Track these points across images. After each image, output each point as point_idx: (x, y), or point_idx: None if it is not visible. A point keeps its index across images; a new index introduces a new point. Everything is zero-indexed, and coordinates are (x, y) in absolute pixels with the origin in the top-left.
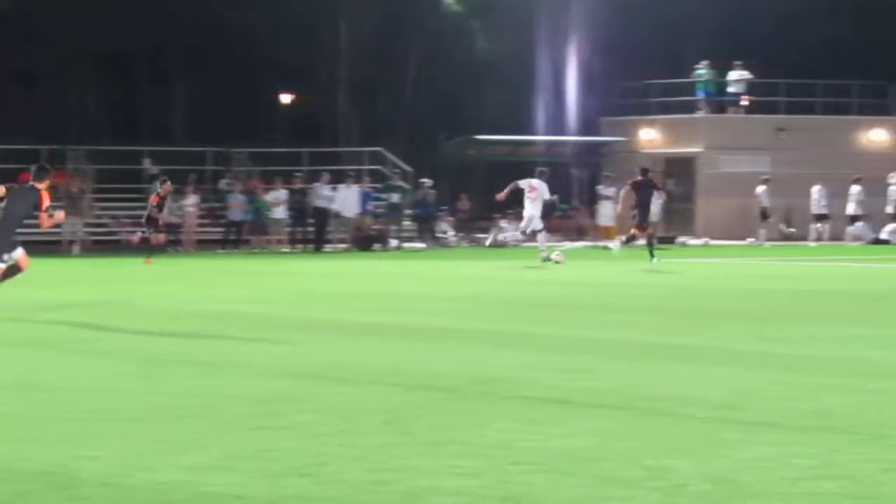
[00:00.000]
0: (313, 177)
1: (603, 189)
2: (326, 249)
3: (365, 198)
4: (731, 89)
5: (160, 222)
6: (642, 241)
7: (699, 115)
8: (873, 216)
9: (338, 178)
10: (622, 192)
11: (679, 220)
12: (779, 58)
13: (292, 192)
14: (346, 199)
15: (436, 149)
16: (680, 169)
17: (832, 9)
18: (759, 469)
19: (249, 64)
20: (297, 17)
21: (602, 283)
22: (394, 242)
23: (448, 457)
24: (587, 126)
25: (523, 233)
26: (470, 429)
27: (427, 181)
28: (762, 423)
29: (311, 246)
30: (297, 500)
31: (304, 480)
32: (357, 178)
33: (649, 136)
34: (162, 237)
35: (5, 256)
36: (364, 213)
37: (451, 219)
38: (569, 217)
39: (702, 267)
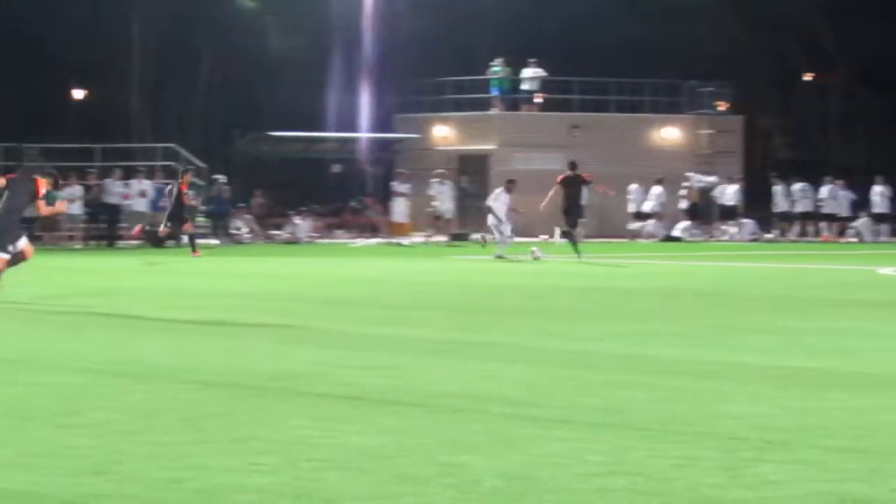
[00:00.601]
0: (106, 173)
1: (397, 186)
2: (119, 245)
3: (157, 194)
4: (525, 87)
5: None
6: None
7: (493, 112)
8: (666, 214)
9: (130, 175)
10: (552, 190)
11: (473, 217)
12: (573, 56)
13: (87, 188)
14: (138, 196)
15: (230, 145)
16: (474, 166)
17: (626, 8)
18: (553, 465)
19: (40, 60)
20: (89, 13)
21: (393, 280)
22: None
23: (244, 454)
24: (382, 123)
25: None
26: (266, 426)
27: (221, 178)
28: (555, 419)
29: (104, 242)
30: (93, 499)
31: (100, 479)
32: (149, 174)
33: (443, 133)
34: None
35: (10, 247)
36: (157, 209)
37: (246, 216)
38: (361, 213)
39: (493, 264)
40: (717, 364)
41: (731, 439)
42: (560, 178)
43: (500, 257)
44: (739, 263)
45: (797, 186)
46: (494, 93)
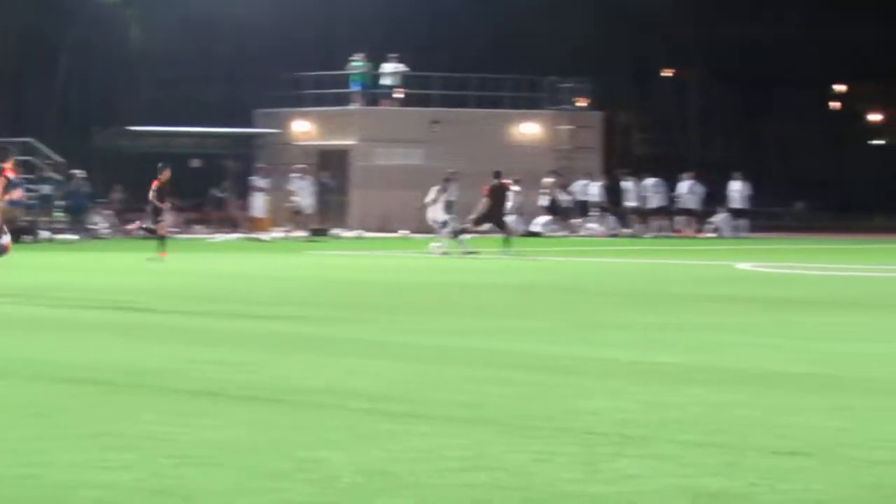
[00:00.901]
0: None
1: (256, 181)
2: None
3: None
4: (385, 82)
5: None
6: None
7: (353, 107)
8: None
9: None
10: (482, 202)
11: (333, 213)
12: (433, 51)
13: None
14: None
15: (89, 140)
16: (334, 161)
17: (486, 4)
18: (412, 461)
19: None
20: None
21: (253, 275)
22: (45, 234)
23: (100, 450)
24: (243, 118)
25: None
26: (123, 421)
27: (79, 172)
28: (415, 414)
29: None
30: None
31: None
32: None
33: (303, 129)
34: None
35: None
36: (13, 203)
37: (105, 211)
38: (221, 208)
39: (354, 259)
40: (577, 359)
41: (590, 434)
42: (486, 189)
43: (445, 253)
44: (599, 259)
45: (649, 182)
46: (354, 88)
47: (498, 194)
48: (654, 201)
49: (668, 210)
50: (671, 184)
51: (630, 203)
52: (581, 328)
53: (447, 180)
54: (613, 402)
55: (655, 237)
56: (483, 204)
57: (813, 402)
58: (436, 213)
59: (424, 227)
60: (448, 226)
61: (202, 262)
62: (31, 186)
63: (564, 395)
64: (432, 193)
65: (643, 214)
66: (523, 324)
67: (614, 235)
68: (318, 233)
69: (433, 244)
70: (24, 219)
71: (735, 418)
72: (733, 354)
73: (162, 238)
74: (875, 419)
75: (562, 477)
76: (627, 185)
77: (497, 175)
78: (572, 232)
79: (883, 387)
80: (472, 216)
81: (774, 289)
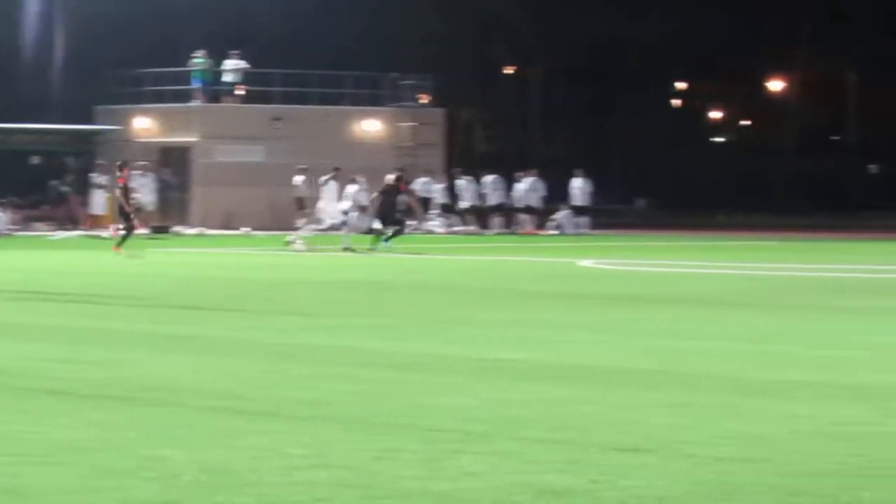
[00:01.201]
0: None
1: (96, 178)
2: None
3: None
4: (226, 78)
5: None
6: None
7: (195, 104)
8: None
9: None
10: (373, 198)
11: (175, 210)
12: (274, 48)
13: None
14: None
15: None
16: (175, 158)
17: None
18: (254, 459)
19: None
20: None
21: (94, 272)
22: None
23: None
24: (84, 114)
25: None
26: None
27: None
28: (258, 412)
29: None
30: None
31: None
32: None
33: (144, 125)
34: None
35: None
36: None
37: None
38: (62, 205)
39: (196, 257)
40: (421, 356)
41: (433, 431)
42: (380, 191)
43: (347, 249)
44: (443, 256)
45: (488, 179)
46: (196, 84)
47: (388, 195)
48: (494, 199)
49: (508, 207)
50: (512, 181)
51: (465, 202)
52: (425, 325)
53: (336, 173)
54: (456, 399)
55: (497, 234)
56: (375, 199)
57: (654, 398)
58: (330, 206)
59: (267, 224)
60: (348, 223)
61: (41, 258)
62: None
63: (408, 392)
64: (302, 186)
65: (482, 212)
66: (367, 321)
67: (455, 233)
68: (160, 230)
69: (294, 239)
70: None
71: (577, 415)
72: (575, 351)
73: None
74: (715, 416)
75: (404, 474)
76: (461, 182)
77: (397, 177)
78: (415, 230)
79: (722, 383)
80: (382, 221)
81: (616, 285)
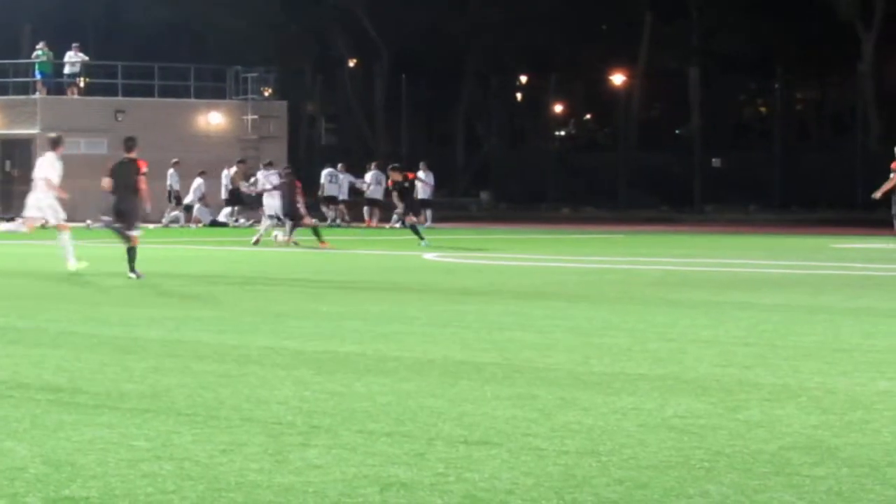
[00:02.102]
0: None
1: None
2: None
3: None
4: (67, 71)
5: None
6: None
7: (37, 96)
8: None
9: None
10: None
11: (17, 202)
12: (117, 40)
13: None
14: None
15: None
16: (17, 150)
17: None
18: (99, 451)
19: None
20: None
21: None
22: None
23: None
24: None
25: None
26: None
27: None
28: (100, 405)
29: None
30: None
31: None
32: None
33: None
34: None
35: None
36: None
37: None
38: None
39: (37, 249)
40: (263, 349)
41: (278, 424)
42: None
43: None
44: (283, 249)
45: (325, 171)
46: (38, 77)
47: (286, 186)
48: (333, 191)
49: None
50: (355, 174)
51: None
52: (267, 317)
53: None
54: (300, 392)
55: (336, 227)
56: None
57: (499, 391)
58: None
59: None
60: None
61: None
62: None
63: (251, 385)
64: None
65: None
66: (208, 313)
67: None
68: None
69: (276, 232)
70: None
71: (423, 408)
72: (420, 344)
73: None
74: (560, 408)
75: (249, 467)
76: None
77: (286, 169)
78: (256, 222)
79: (566, 376)
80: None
81: (460, 279)
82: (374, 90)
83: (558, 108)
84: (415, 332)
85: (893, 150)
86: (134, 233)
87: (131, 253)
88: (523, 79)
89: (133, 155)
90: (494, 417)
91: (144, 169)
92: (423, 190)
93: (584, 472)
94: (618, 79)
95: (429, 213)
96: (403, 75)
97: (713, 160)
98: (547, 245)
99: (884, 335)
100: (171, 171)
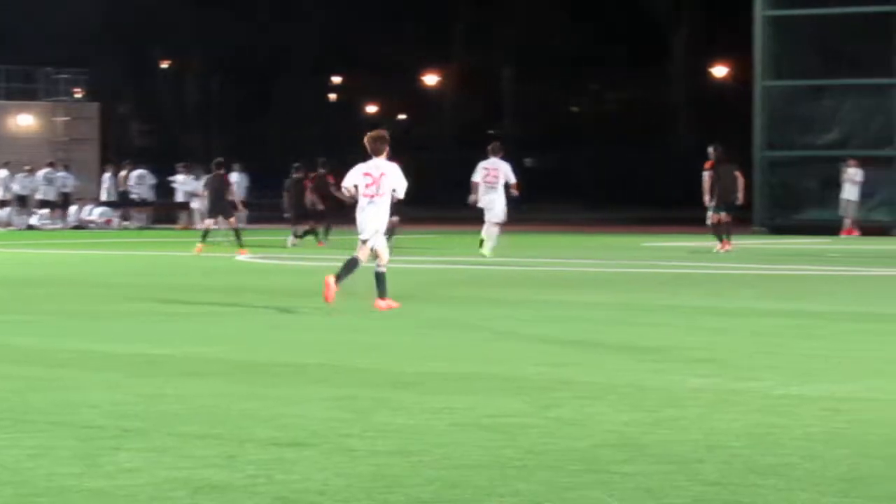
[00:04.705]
0: None
1: None
2: None
3: None
4: None
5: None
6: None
7: None
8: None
9: None
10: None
11: None
12: None
13: None
14: None
15: None
16: None
17: None
18: None
19: None
20: None
21: None
22: None
23: None
24: None
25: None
26: None
27: None
28: None
29: None
30: None
31: None
32: None
33: None
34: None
35: None
36: None
37: None
38: None
39: None
40: (73, 352)
41: (88, 428)
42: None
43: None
44: (98, 252)
45: (135, 174)
46: None
47: (216, 183)
48: (143, 193)
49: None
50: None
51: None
52: (77, 320)
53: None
54: (112, 395)
55: (146, 229)
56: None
57: (314, 392)
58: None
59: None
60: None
61: None
62: None
63: (61, 388)
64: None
65: (127, 206)
66: (16, 317)
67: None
68: None
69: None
70: None
71: (235, 410)
72: (233, 346)
73: None
74: (374, 409)
75: (59, 472)
76: (106, 176)
77: (218, 165)
78: (67, 224)
79: (381, 376)
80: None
81: (273, 280)
82: (187, 91)
83: (372, 108)
84: (228, 335)
85: (707, 151)
86: None
87: None
88: (337, 79)
89: None
90: (308, 418)
91: None
92: (236, 191)
93: (396, 472)
94: (432, 79)
95: (244, 214)
96: (217, 76)
97: (526, 160)
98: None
99: (698, 332)
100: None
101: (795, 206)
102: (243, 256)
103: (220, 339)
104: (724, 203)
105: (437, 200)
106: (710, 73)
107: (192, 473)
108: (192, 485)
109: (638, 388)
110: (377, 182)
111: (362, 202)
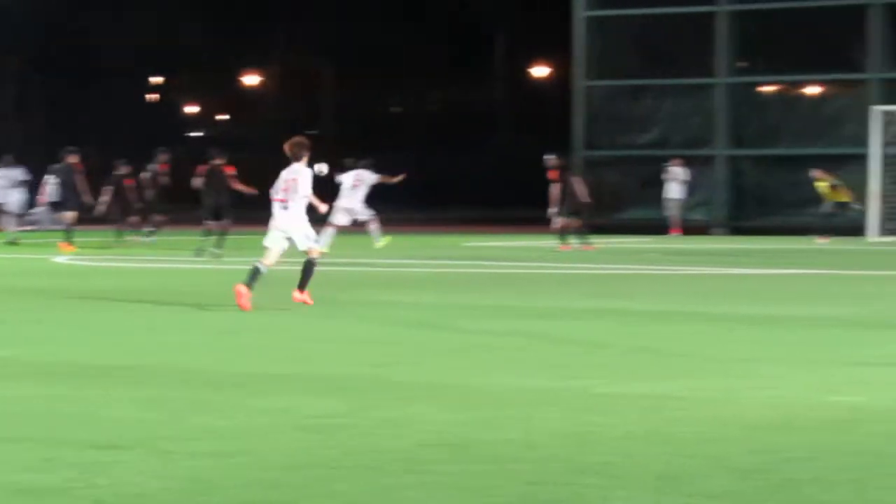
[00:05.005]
0: None
1: None
2: None
3: None
4: None
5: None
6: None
7: None
8: None
9: None
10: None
11: None
12: None
13: None
14: None
15: None
16: None
17: None
18: None
19: None
20: None
21: None
22: None
23: None
24: None
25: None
26: None
27: None
28: None
29: None
30: None
31: None
32: None
33: None
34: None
35: None
36: None
37: None
38: None
39: None
40: None
41: None
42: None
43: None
44: None
45: None
46: None
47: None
48: None
49: None
50: None
51: None
52: None
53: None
54: None
55: None
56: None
57: (130, 394)
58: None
59: None
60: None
61: None
62: None
63: None
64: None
65: None
66: None
67: None
68: None
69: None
70: None
71: (51, 413)
72: (50, 348)
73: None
74: (191, 411)
75: None
76: None
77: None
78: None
79: (199, 378)
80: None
81: (92, 282)
82: (5, 88)
83: (192, 109)
84: (45, 337)
85: (545, 160)
86: None
87: None
88: (156, 79)
89: None
90: (125, 421)
91: None
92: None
93: (213, 474)
94: (252, 79)
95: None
96: (35, 74)
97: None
98: (183, 246)
99: (515, 333)
100: None
101: (615, 206)
102: (64, 258)
103: (31, 342)
104: (572, 209)
105: (257, 201)
106: (530, 74)
107: (8, 477)
108: (8, 489)
109: (459, 388)
110: (290, 188)
111: (276, 206)
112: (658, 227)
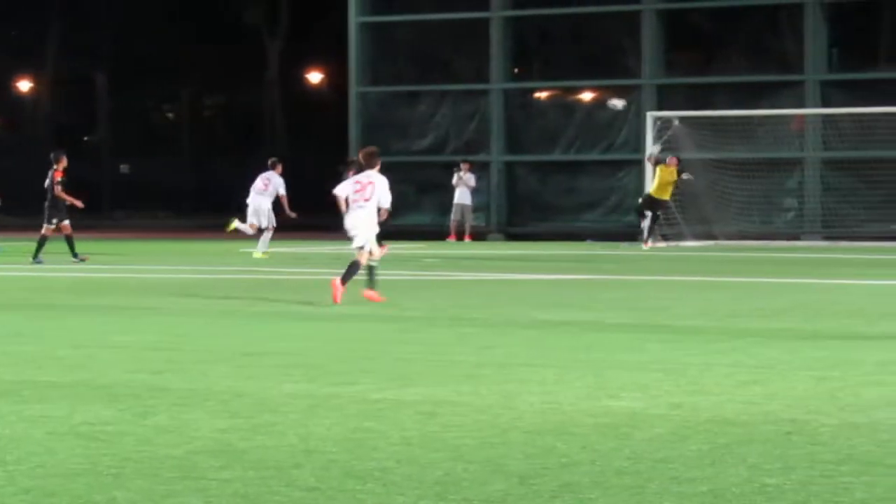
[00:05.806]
0: None
1: None
2: None
3: None
4: None
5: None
6: None
7: None
8: None
9: None
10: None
11: None
12: None
13: None
14: None
15: None
16: None
17: None
18: None
19: None
20: None
21: None
22: None
23: None
24: None
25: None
26: None
27: None
28: None
29: None
30: None
31: None
32: None
33: None
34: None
35: None
36: None
37: None
38: None
39: None
40: None
41: None
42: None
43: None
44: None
45: None
46: None
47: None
48: None
49: None
50: None
51: None
52: None
53: None
54: None
55: None
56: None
57: None
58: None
59: None
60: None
61: None
62: None
63: None
64: None
65: None
66: None
67: None
68: None
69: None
70: None
71: None
72: None
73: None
74: None
75: None
76: None
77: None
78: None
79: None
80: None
81: None
82: None
83: None
84: None
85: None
86: None
87: None
88: None
89: None
90: None
91: None
92: None
93: None
94: (25, 85)
95: None
96: None
97: (121, 166)
98: None
99: (290, 338)
100: None
101: (392, 212)
102: None
103: None
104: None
105: (24, 208)
106: (305, 79)
107: None
108: None
109: (234, 394)
110: (364, 189)
111: (352, 207)
112: (436, 233)
